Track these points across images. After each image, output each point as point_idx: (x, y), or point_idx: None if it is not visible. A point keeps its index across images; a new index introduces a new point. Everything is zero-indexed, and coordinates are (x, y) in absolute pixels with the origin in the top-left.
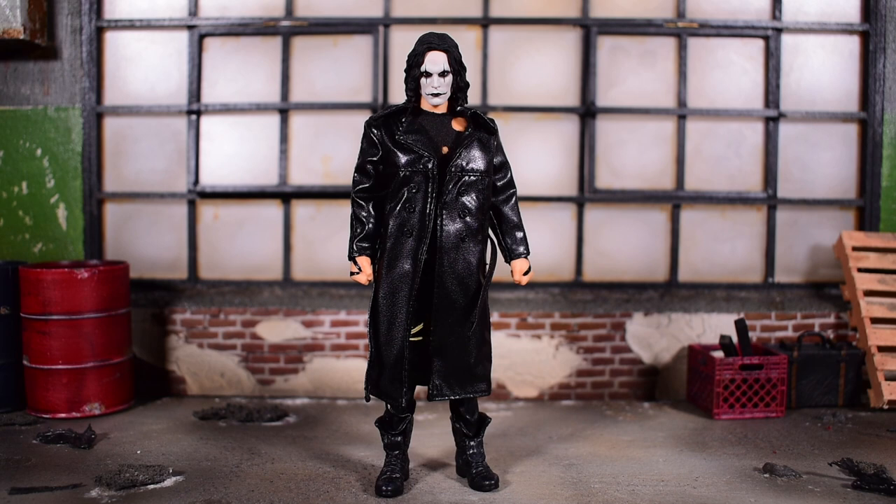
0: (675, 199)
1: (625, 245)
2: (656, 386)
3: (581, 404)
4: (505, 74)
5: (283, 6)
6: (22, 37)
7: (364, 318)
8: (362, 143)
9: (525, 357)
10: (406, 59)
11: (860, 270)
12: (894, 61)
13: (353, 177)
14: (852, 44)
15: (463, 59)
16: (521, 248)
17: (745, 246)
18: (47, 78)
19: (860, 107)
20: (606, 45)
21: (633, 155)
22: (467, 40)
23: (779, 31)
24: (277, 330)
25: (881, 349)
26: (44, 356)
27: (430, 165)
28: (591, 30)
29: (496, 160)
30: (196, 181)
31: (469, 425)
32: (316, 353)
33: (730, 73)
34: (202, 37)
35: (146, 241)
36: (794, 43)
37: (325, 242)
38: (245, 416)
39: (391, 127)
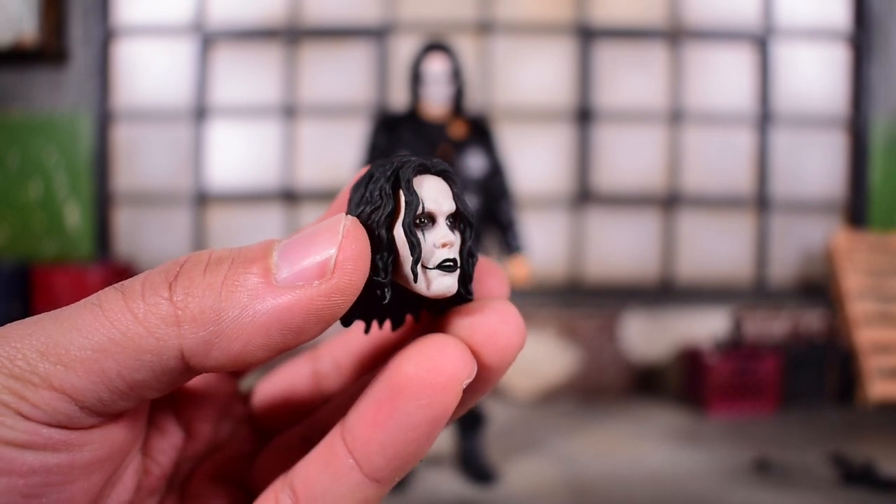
0: (670, 201)
1: (621, 245)
2: (652, 383)
3: (578, 401)
4: (504, 79)
5: (288, 13)
6: (35, 44)
7: None
8: (365, 145)
9: (523, 355)
10: (407, 65)
11: (850, 270)
12: (883, 66)
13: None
14: (843, 49)
15: (463, 65)
16: (518, 247)
17: (737, 246)
18: (59, 83)
19: (850, 110)
20: (604, 51)
21: (630, 157)
22: (468, 46)
23: (770, 37)
24: None
25: (869, 347)
26: None
27: None
28: (588, 36)
29: (494, 163)
30: (204, 183)
31: (468, 420)
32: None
33: (723, 77)
34: (209, 42)
35: (154, 242)
36: (786, 48)
37: None
38: None
39: (392, 131)
